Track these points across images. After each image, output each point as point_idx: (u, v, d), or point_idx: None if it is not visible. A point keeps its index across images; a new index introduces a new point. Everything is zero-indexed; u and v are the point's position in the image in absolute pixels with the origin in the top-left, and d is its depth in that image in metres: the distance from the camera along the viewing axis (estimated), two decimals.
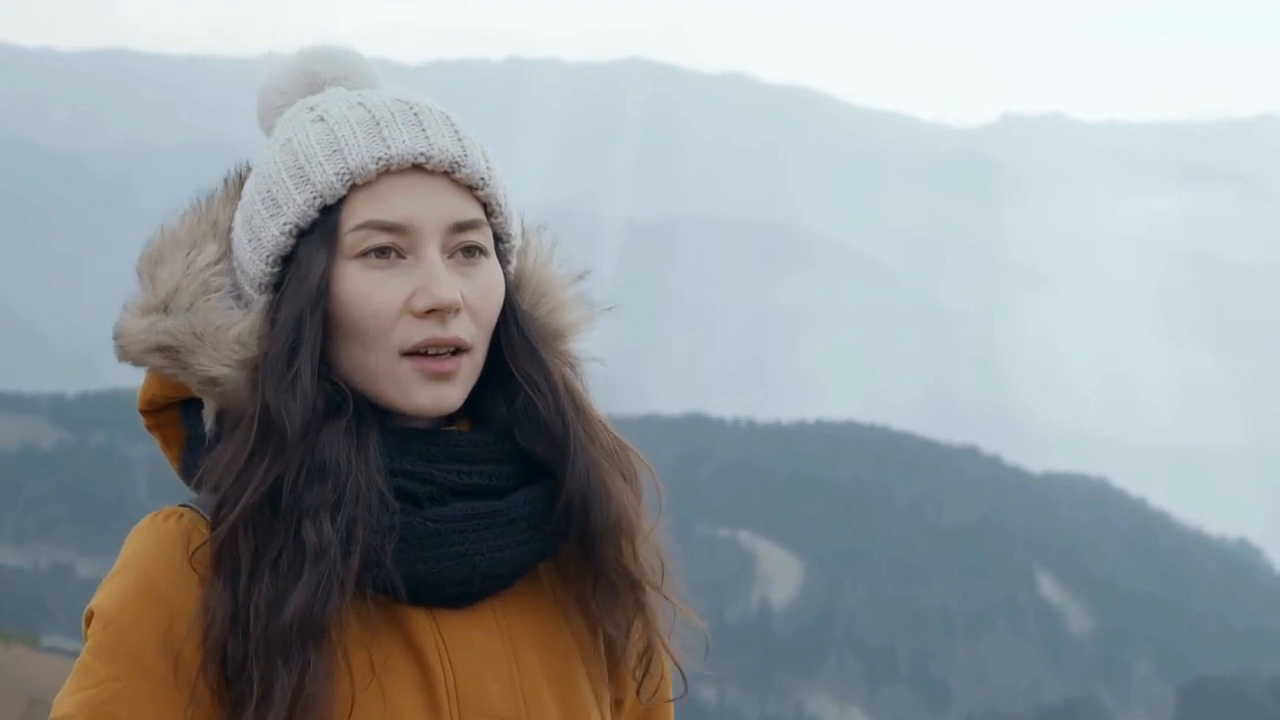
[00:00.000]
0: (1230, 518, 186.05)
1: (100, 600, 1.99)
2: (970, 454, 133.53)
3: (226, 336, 2.01)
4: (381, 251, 2.00)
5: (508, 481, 2.05)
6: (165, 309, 2.02)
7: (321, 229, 2.01)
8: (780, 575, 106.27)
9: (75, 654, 1.95)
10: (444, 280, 1.99)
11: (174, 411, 2.09)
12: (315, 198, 2.01)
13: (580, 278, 2.15)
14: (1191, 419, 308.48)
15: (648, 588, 2.10)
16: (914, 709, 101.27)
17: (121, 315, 2.06)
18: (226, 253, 2.07)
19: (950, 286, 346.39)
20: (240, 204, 2.08)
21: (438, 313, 1.99)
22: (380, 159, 2.00)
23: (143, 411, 2.10)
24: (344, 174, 2.00)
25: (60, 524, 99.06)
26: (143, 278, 2.06)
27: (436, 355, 2.00)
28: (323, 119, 2.04)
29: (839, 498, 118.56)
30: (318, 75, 2.12)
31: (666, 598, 2.11)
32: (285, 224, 2.02)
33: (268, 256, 2.03)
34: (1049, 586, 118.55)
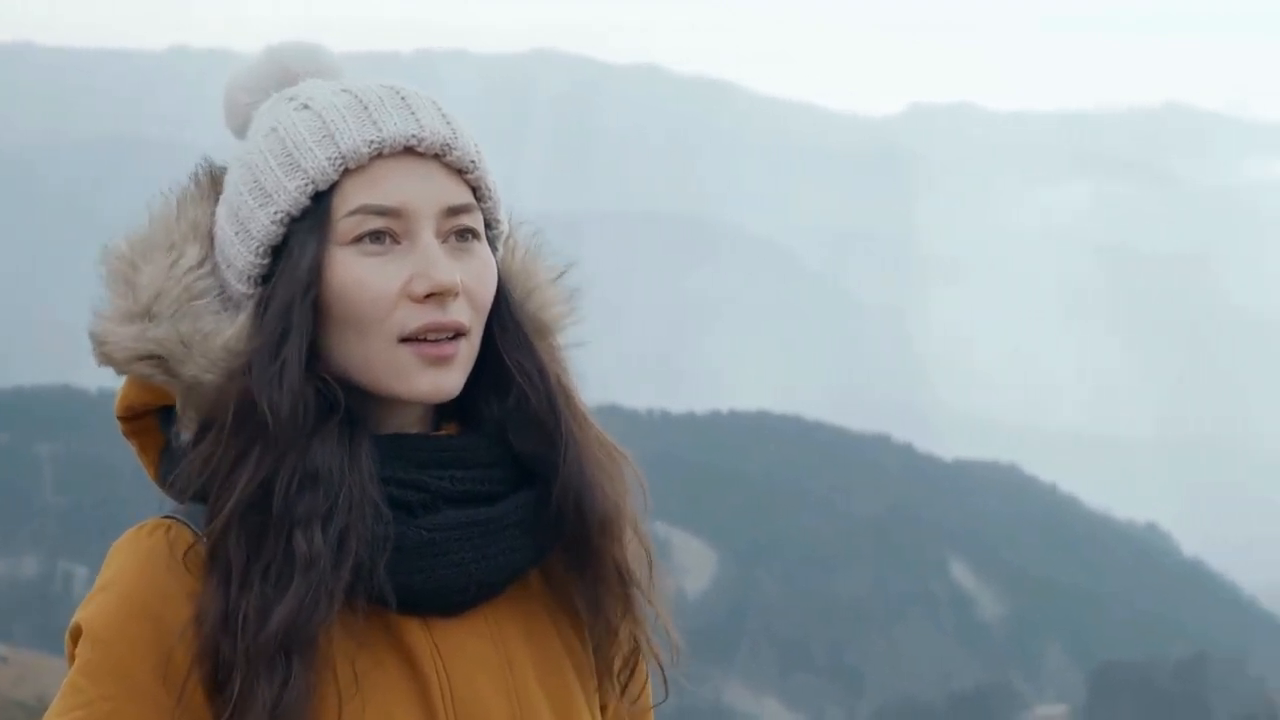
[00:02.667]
0: (1139, 504, 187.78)
1: (87, 617, 1.94)
2: (882, 443, 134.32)
3: (215, 344, 1.97)
4: (376, 236, 1.96)
5: (499, 486, 2.02)
6: (148, 315, 1.98)
7: (313, 216, 1.97)
8: (695, 565, 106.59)
9: None
10: (443, 263, 1.96)
11: (153, 418, 2.05)
12: (307, 184, 1.97)
13: (563, 272, 2.13)
14: (1100, 407, 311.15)
15: (635, 589, 2.09)
16: (828, 697, 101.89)
17: (98, 321, 2.01)
18: (209, 255, 2.02)
19: (861, 277, 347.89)
20: (223, 198, 2.03)
21: (437, 297, 1.96)
22: (372, 141, 1.97)
23: (121, 418, 2.06)
24: (335, 158, 1.97)
25: None
26: (117, 281, 2.01)
27: (436, 340, 1.97)
28: (308, 106, 2.01)
29: (752, 488, 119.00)
30: (289, 70, 2.09)
31: (650, 602, 2.10)
32: (276, 212, 1.98)
33: (257, 248, 1.98)
34: (961, 574, 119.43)
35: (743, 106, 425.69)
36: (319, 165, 1.97)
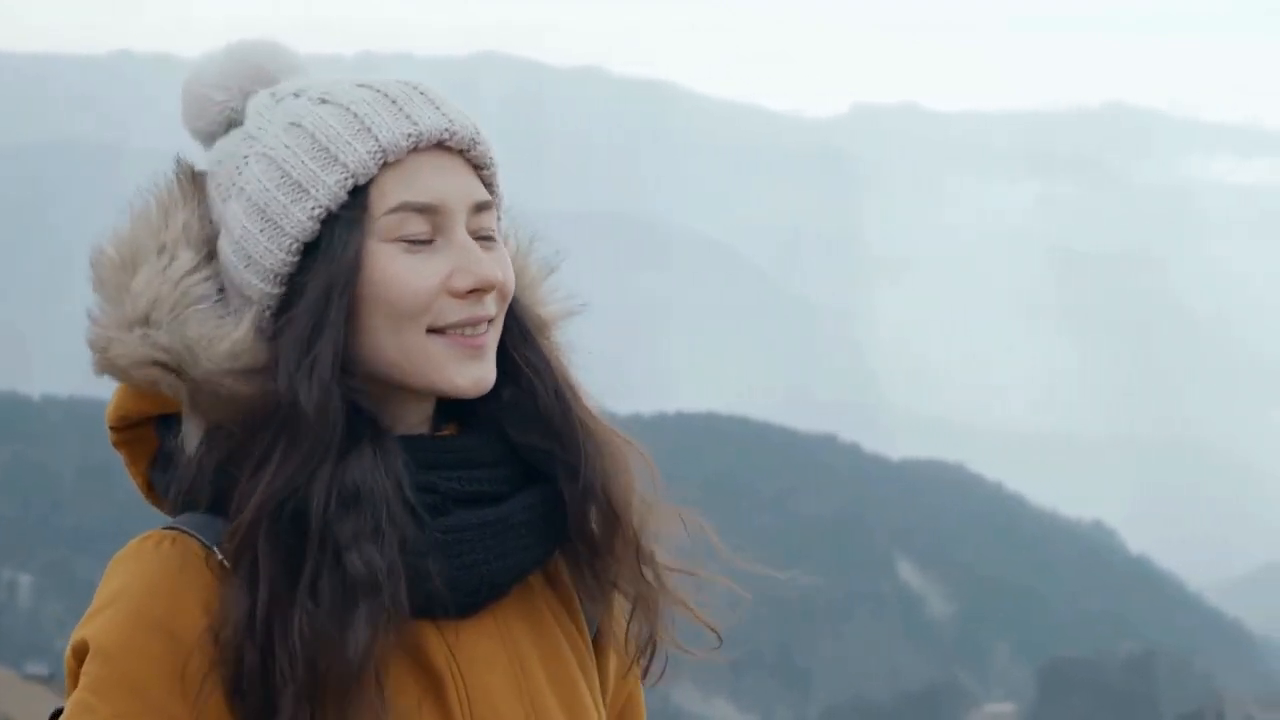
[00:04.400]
0: (1085, 501, 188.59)
1: (93, 633, 1.90)
2: (830, 443, 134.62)
3: (221, 348, 1.94)
4: (417, 233, 1.97)
5: (505, 486, 2.02)
6: (147, 321, 1.94)
7: (351, 210, 1.95)
8: None
9: None
10: (484, 259, 1.98)
11: (146, 428, 2.02)
12: (347, 178, 1.94)
13: (554, 270, 2.14)
14: (1046, 406, 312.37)
15: (655, 577, 2.08)
16: (778, 697, 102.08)
17: (96, 329, 1.97)
18: (203, 259, 1.99)
19: (808, 277, 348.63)
20: (242, 195, 1.98)
21: (477, 292, 1.97)
22: (410, 135, 1.95)
23: (113, 428, 2.02)
24: (375, 152, 1.95)
25: None
26: (107, 287, 1.97)
27: (471, 333, 1.98)
28: (326, 100, 1.98)
29: (700, 489, 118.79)
30: (263, 69, 2.06)
31: (665, 587, 2.10)
32: (314, 208, 1.94)
33: (291, 244, 1.95)
34: (909, 573, 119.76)
35: (688, 108, 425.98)
36: (359, 159, 1.94)
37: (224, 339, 1.93)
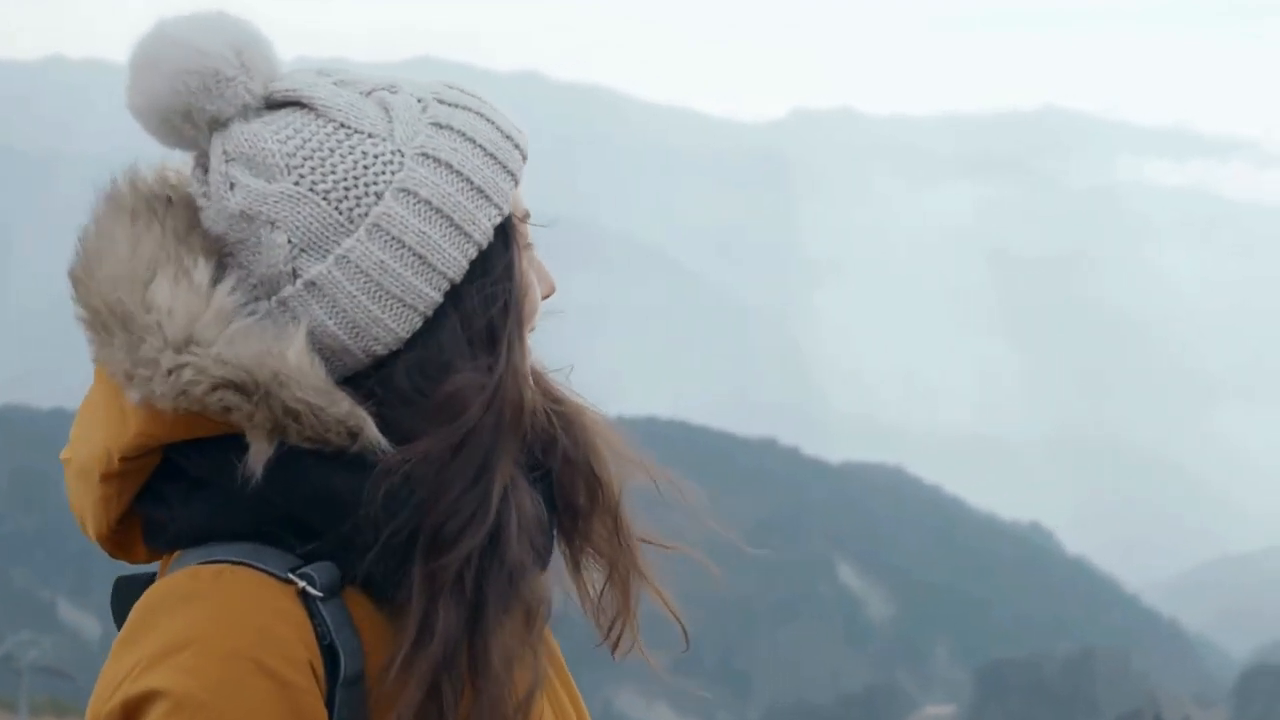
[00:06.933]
0: (1022, 504, 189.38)
1: (169, 681, 1.71)
2: (768, 446, 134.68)
3: (289, 364, 1.79)
4: (531, 242, 1.95)
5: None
6: (190, 343, 1.78)
7: (508, 217, 1.90)
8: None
9: None
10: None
11: (154, 456, 1.83)
12: (511, 186, 1.89)
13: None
14: (984, 408, 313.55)
15: (629, 548, 2.06)
16: (718, 701, 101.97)
17: (141, 361, 1.79)
18: (222, 270, 1.83)
19: (746, 281, 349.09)
20: (410, 199, 1.83)
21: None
22: (524, 144, 1.93)
23: (126, 458, 1.82)
24: (519, 159, 1.92)
25: None
26: (120, 305, 1.80)
27: None
28: (442, 101, 1.89)
29: (638, 492, 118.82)
30: (259, 40, 1.87)
31: (636, 562, 2.08)
32: (495, 214, 1.87)
33: (473, 250, 1.85)
34: (848, 575, 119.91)
35: (624, 112, 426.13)
36: (516, 162, 1.90)
37: (288, 350, 1.80)
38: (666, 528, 2.14)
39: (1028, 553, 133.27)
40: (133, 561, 1.89)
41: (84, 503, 1.85)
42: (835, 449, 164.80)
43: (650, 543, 2.09)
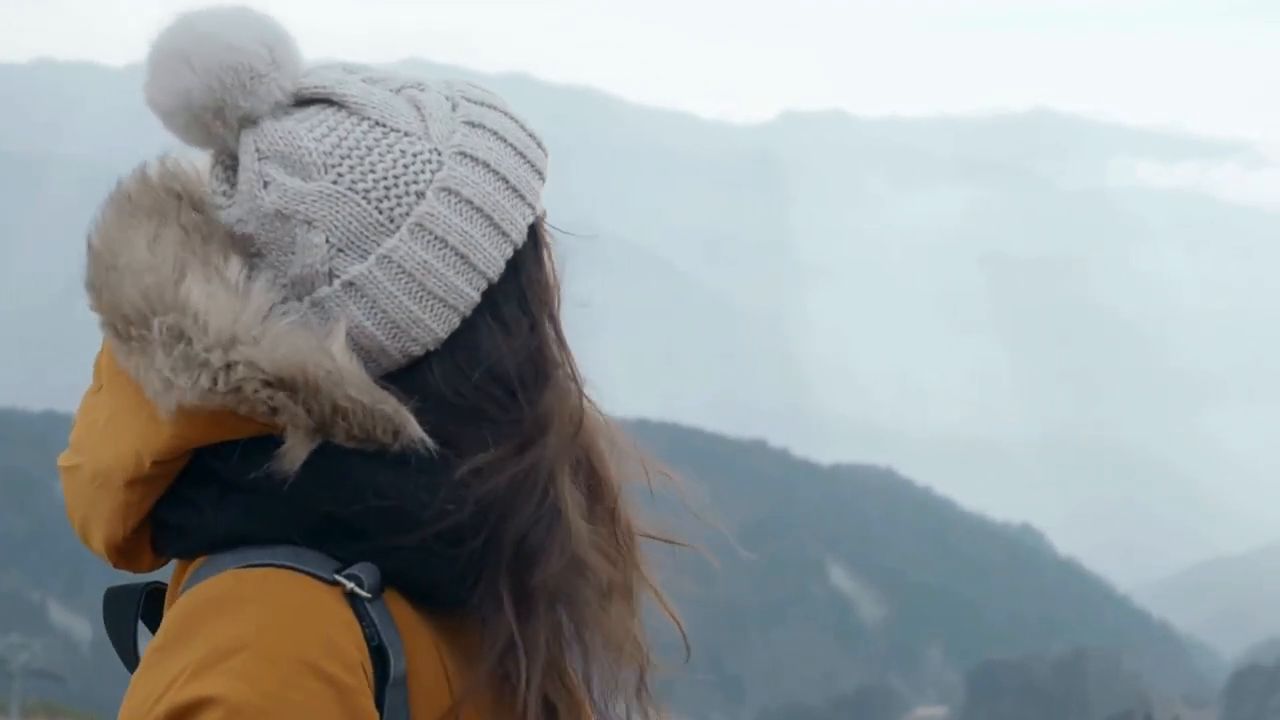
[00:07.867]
0: (1013, 505, 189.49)
1: (222, 688, 1.64)
2: (759, 448, 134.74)
3: (333, 360, 1.75)
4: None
5: None
6: (235, 341, 1.73)
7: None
8: None
9: None
10: None
11: (182, 459, 1.76)
12: (541, 183, 1.89)
13: None
14: (974, 410, 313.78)
15: (631, 551, 2.07)
16: (710, 703, 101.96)
17: (185, 359, 1.73)
18: (249, 267, 1.77)
19: (738, 283, 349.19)
20: (452, 198, 1.81)
21: None
22: (545, 141, 1.93)
23: (158, 461, 1.76)
24: (544, 154, 1.91)
25: None
26: (160, 305, 1.74)
27: None
28: (469, 100, 1.87)
29: (631, 496, 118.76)
30: (284, 38, 1.81)
31: (639, 567, 2.08)
32: (528, 213, 1.86)
33: (509, 250, 1.83)
34: (839, 577, 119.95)
35: (615, 115, 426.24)
36: (542, 161, 1.90)
37: (329, 345, 1.76)
38: (662, 527, 2.13)
39: (1019, 554, 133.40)
40: (136, 571, 1.82)
41: (94, 510, 1.78)
42: (827, 450, 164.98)
43: (652, 538, 2.07)
